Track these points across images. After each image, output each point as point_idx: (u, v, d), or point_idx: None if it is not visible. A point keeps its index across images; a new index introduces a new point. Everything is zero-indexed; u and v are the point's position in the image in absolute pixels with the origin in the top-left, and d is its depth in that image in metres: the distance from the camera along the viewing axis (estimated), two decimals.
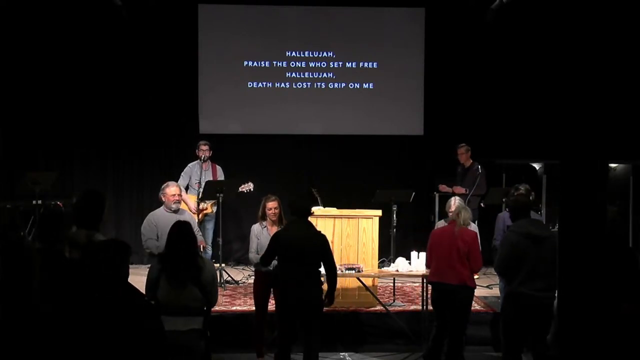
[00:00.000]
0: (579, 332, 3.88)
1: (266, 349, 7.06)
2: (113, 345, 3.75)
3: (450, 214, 6.99)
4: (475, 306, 8.06)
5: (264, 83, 11.00)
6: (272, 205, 7.04)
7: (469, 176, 9.81)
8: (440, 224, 7.39)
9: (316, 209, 8.52)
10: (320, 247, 6.14)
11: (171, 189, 7.34)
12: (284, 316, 6.13)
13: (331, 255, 6.26)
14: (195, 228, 7.58)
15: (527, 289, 5.68)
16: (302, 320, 6.10)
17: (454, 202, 7.12)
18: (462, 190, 9.56)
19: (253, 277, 7.34)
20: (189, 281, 5.15)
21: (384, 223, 8.61)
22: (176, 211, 7.28)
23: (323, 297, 6.19)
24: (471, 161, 9.96)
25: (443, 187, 9.95)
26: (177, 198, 7.32)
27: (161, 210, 7.32)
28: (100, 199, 5.03)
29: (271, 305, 6.86)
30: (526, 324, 5.77)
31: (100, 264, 3.93)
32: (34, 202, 8.99)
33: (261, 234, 7.05)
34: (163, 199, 7.37)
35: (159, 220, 7.06)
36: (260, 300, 6.99)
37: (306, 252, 6.05)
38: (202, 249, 8.14)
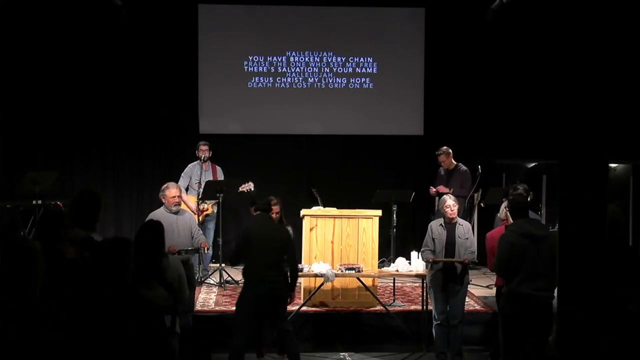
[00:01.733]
0: (579, 333, 3.88)
1: (266, 349, 7.07)
2: (115, 344, 3.76)
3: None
4: (475, 306, 8.06)
5: (264, 83, 11.00)
6: (275, 209, 7.09)
7: (455, 177, 9.64)
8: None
9: (316, 209, 8.54)
10: (284, 239, 6.62)
11: (171, 191, 7.34)
12: (248, 306, 6.42)
13: (294, 247, 6.75)
14: (196, 228, 7.59)
15: (526, 288, 5.68)
16: (269, 309, 6.46)
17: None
18: (445, 189, 9.40)
19: None
20: (153, 280, 5.10)
21: (384, 223, 8.60)
22: (176, 212, 7.28)
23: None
24: (455, 163, 9.75)
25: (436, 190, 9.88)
26: (177, 200, 7.34)
27: (161, 210, 7.33)
28: (96, 198, 5.00)
29: None
30: (525, 323, 5.76)
31: (105, 263, 3.94)
32: (34, 202, 8.97)
33: None
34: (163, 200, 7.38)
35: (159, 220, 7.05)
36: None
37: (271, 243, 6.47)
38: (205, 251, 8.16)
